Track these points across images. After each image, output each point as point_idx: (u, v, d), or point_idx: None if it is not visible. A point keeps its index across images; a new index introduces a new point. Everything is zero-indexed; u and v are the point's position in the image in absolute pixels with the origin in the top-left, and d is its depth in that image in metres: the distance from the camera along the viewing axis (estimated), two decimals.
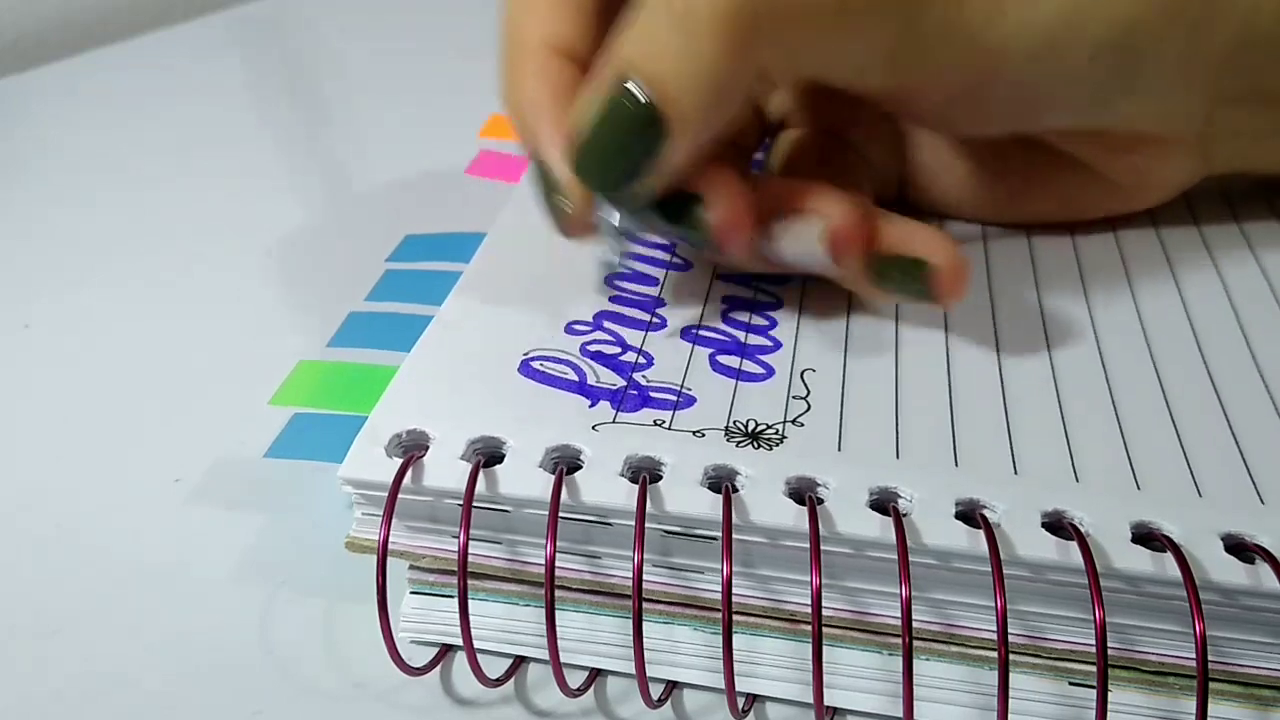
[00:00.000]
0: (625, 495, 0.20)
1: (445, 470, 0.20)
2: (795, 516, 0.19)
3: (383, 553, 0.20)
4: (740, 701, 0.20)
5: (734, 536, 0.19)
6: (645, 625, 0.19)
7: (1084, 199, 0.29)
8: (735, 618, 0.20)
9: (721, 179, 0.23)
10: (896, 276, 0.24)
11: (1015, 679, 0.20)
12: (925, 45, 0.23)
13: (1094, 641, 0.18)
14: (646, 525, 0.19)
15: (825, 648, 0.19)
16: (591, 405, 0.22)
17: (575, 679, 0.21)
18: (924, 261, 0.23)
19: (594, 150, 0.23)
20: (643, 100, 0.22)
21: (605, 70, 0.23)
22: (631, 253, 0.25)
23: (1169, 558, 0.19)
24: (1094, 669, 0.18)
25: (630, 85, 0.22)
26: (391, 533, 0.20)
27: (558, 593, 0.21)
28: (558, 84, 0.24)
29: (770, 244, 0.24)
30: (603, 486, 0.20)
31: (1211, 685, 0.20)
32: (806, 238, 0.23)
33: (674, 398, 0.23)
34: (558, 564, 0.20)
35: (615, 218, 0.24)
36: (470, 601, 0.20)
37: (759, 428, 0.22)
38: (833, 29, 0.22)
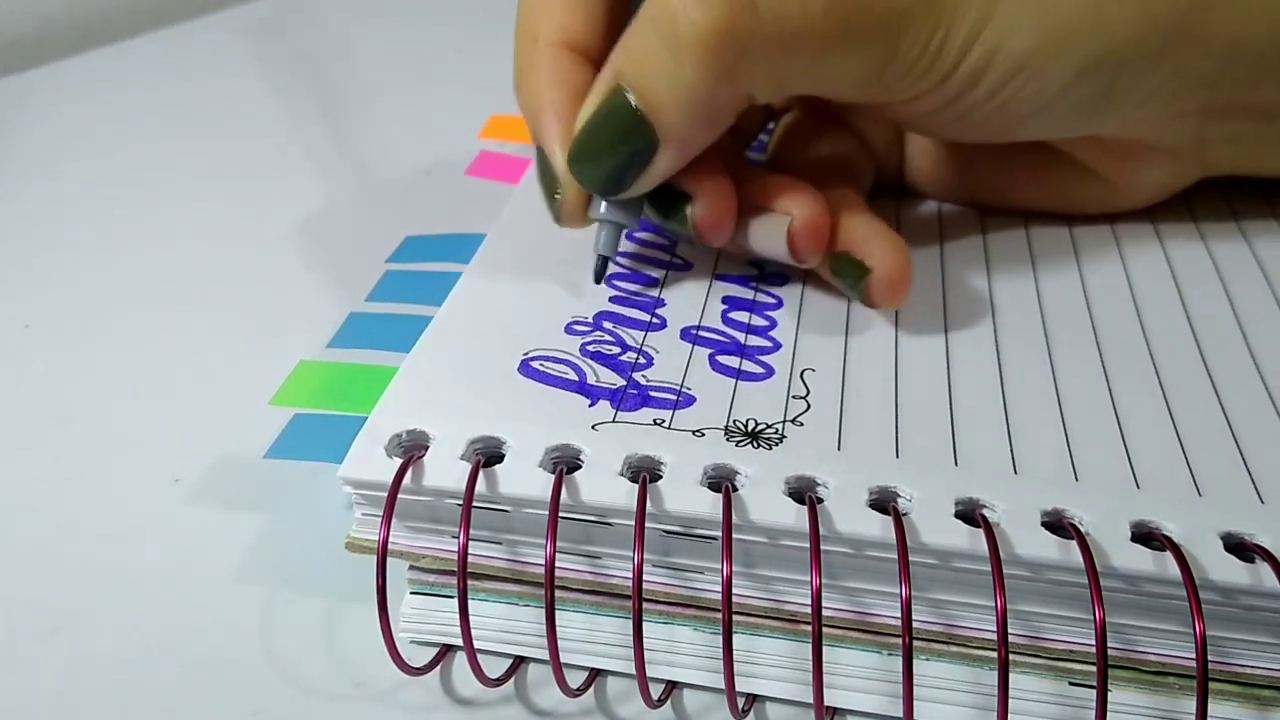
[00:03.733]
0: (625, 495, 0.20)
1: (445, 470, 0.20)
2: (795, 516, 0.19)
3: (382, 553, 0.20)
4: (740, 701, 0.20)
5: (734, 536, 0.19)
6: (645, 625, 0.19)
7: (1080, 195, 0.30)
8: (735, 618, 0.20)
9: (710, 179, 0.25)
10: (844, 275, 0.25)
11: (1015, 679, 0.20)
12: (908, 67, 0.23)
13: (1094, 641, 0.18)
14: (646, 525, 0.19)
15: (825, 648, 0.19)
16: (591, 405, 0.22)
17: (575, 679, 0.21)
18: (867, 268, 0.24)
19: (587, 152, 0.24)
20: (634, 111, 0.23)
21: (603, 76, 0.23)
22: (621, 250, 0.26)
23: (1169, 557, 0.19)
24: (1094, 669, 0.18)
25: (624, 94, 0.23)
26: (391, 533, 0.20)
27: (558, 593, 0.21)
28: (566, 79, 0.25)
29: (740, 236, 0.25)
30: (603, 486, 0.20)
31: (1211, 685, 0.20)
32: (772, 234, 0.25)
33: (674, 397, 0.23)
34: (558, 564, 0.20)
35: (604, 209, 0.25)
36: (470, 602, 0.20)
37: (759, 427, 0.22)
38: (817, 56, 0.23)
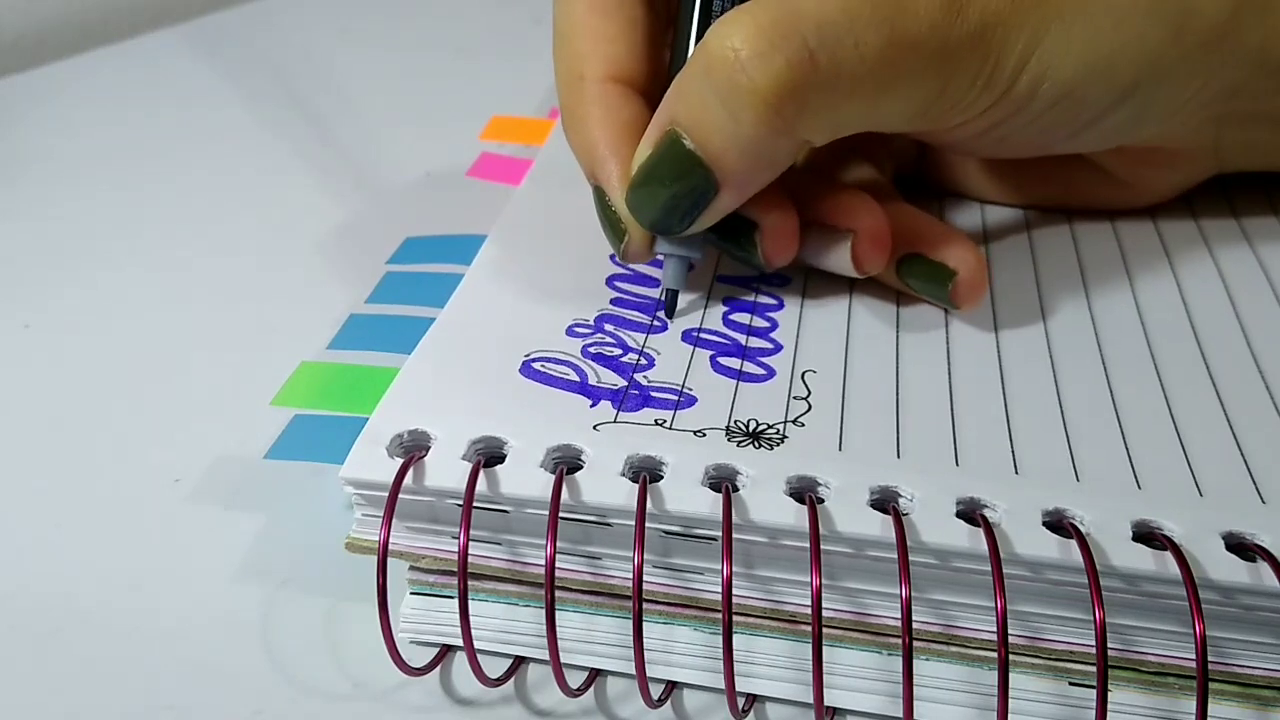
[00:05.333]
0: (625, 495, 0.20)
1: (446, 470, 0.20)
2: (796, 516, 0.19)
3: (383, 553, 0.20)
4: (740, 701, 0.20)
5: (734, 536, 0.19)
6: (645, 625, 0.19)
7: (1093, 194, 0.30)
8: (735, 618, 0.20)
9: (775, 208, 0.25)
10: (923, 279, 0.25)
11: (1015, 679, 0.20)
12: (956, 99, 0.23)
13: (1094, 641, 0.18)
14: (647, 525, 0.19)
15: (825, 648, 0.19)
16: (593, 405, 0.22)
17: (575, 679, 0.21)
18: (953, 271, 0.25)
19: (646, 193, 0.24)
20: (691, 154, 0.23)
21: (658, 119, 0.23)
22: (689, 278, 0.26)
23: (1169, 557, 0.19)
24: (1094, 669, 0.18)
25: (681, 140, 0.23)
26: (392, 533, 0.20)
27: (558, 593, 0.21)
28: (618, 115, 0.25)
29: (803, 252, 0.26)
30: (603, 486, 0.20)
31: (1211, 685, 0.20)
32: (835, 252, 0.25)
33: (675, 397, 0.23)
34: (558, 564, 0.20)
35: (670, 246, 0.25)
36: (470, 602, 0.20)
37: (760, 427, 0.22)
38: (872, 99, 0.23)
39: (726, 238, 0.25)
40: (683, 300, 0.26)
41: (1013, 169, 0.30)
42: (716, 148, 0.22)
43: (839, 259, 0.25)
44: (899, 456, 0.21)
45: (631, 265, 0.25)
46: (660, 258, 0.25)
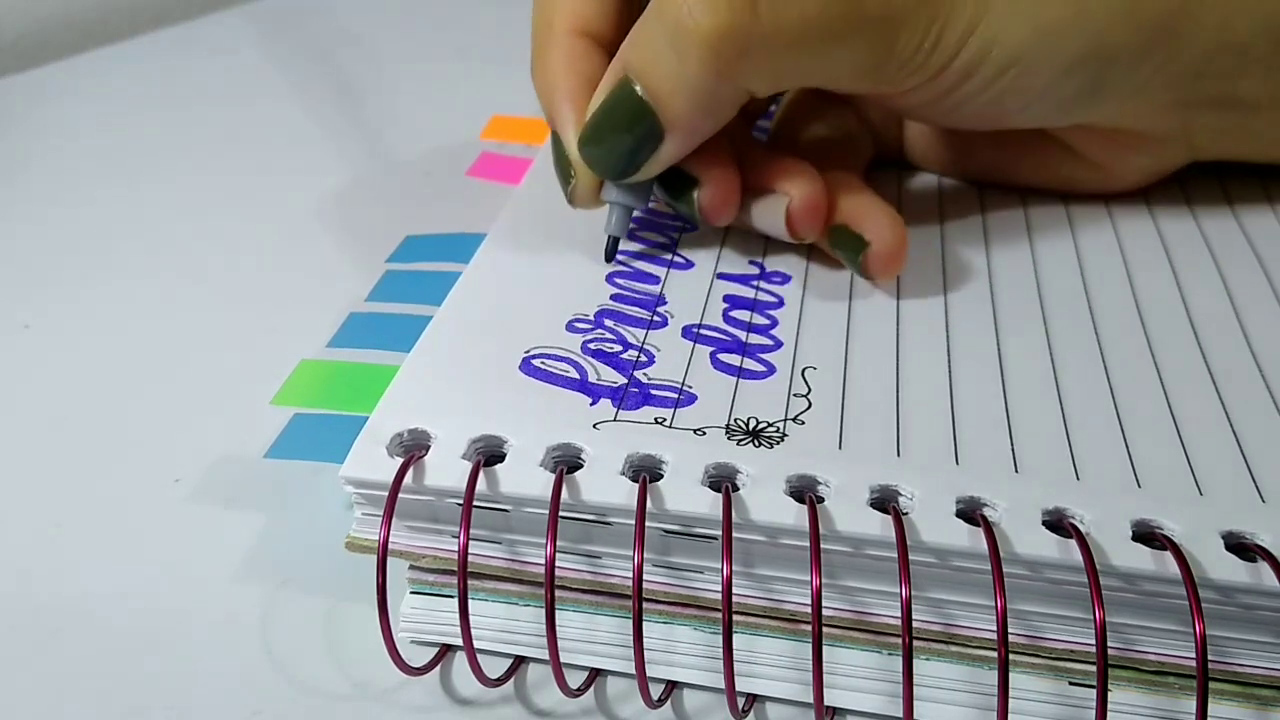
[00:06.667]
0: (625, 494, 0.20)
1: (446, 469, 0.20)
2: (795, 515, 0.19)
3: (383, 553, 0.20)
4: (740, 701, 0.20)
5: (734, 535, 0.19)
6: (645, 625, 0.19)
7: (1070, 176, 0.30)
8: (735, 618, 0.20)
9: (717, 166, 0.26)
10: (842, 247, 0.26)
11: (1015, 679, 0.20)
12: (903, 63, 0.24)
13: (1094, 641, 0.18)
14: (647, 524, 0.19)
15: (825, 648, 0.19)
16: (593, 403, 0.22)
17: (575, 679, 0.21)
18: (865, 241, 0.26)
19: (597, 139, 0.25)
20: (641, 101, 0.24)
21: (613, 66, 0.24)
22: (624, 250, 0.28)
23: (1169, 556, 0.19)
24: (1094, 669, 0.18)
25: (631, 85, 0.24)
26: (392, 533, 0.20)
27: (558, 593, 0.21)
28: (580, 66, 0.26)
29: (743, 214, 0.27)
30: (603, 485, 0.20)
31: (1211, 685, 0.20)
32: (772, 213, 0.26)
33: (675, 395, 0.23)
34: (558, 564, 0.20)
35: (614, 192, 0.26)
36: (470, 601, 0.20)
37: (760, 425, 0.22)
38: (814, 54, 0.23)
39: (669, 190, 0.26)
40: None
41: (992, 148, 0.31)
42: (664, 91, 0.23)
43: (775, 222, 0.26)
44: (899, 455, 0.21)
45: (578, 208, 0.27)
46: (606, 205, 0.27)
